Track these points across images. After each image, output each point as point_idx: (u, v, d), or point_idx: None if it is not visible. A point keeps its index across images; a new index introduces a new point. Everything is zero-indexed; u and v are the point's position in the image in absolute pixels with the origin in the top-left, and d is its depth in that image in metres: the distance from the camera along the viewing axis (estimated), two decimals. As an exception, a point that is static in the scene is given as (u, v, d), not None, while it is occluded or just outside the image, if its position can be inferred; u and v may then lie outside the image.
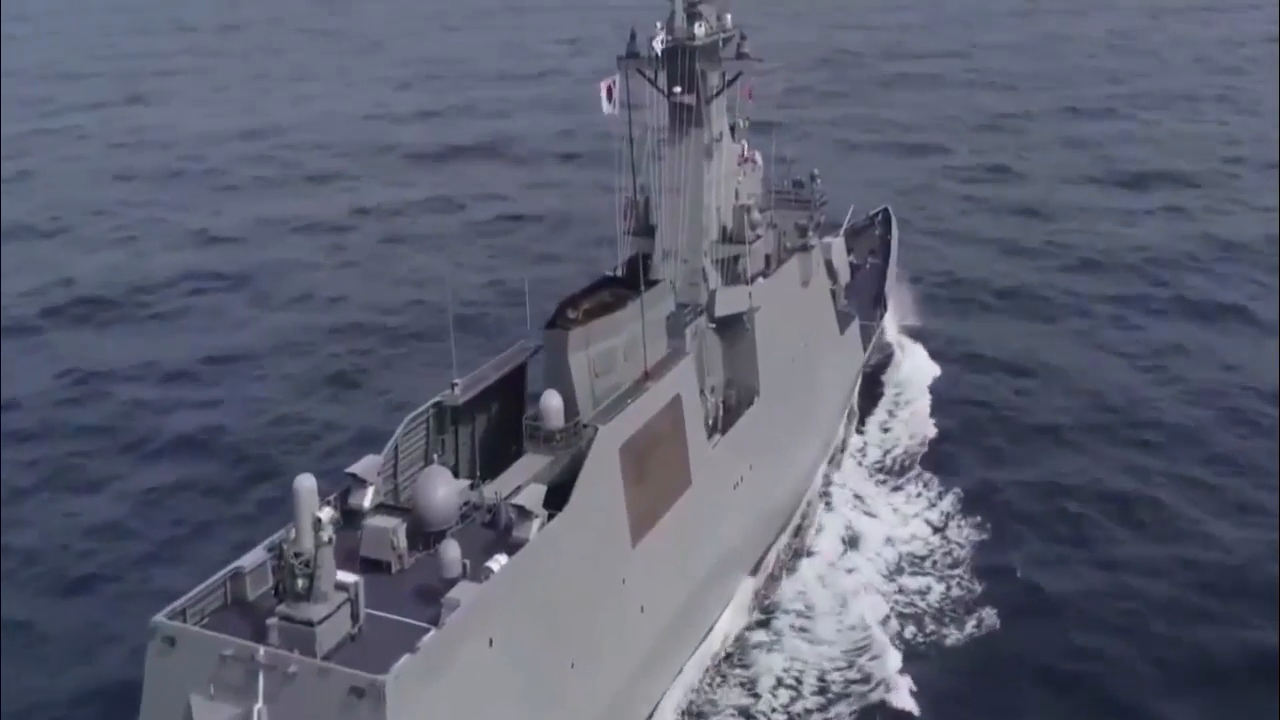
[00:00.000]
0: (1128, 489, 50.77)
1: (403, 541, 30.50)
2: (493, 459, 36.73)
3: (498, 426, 37.99)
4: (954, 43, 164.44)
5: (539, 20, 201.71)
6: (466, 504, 32.53)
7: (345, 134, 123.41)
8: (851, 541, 46.43)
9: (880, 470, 52.20)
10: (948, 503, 48.84)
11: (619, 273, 43.92)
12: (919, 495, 49.68)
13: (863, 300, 60.41)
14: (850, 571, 44.42)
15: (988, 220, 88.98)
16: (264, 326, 72.51)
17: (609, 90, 41.96)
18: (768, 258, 46.43)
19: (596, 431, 33.34)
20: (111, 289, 79.20)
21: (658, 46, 42.11)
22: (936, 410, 56.75)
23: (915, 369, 61.19)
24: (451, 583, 28.51)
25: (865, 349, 56.67)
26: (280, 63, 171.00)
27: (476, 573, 28.77)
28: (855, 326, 54.55)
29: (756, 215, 44.59)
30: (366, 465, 32.97)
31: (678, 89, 43.03)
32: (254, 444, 56.99)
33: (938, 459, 52.54)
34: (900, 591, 43.46)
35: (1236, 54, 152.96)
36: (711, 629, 40.24)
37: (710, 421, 41.96)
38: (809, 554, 45.79)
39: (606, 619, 33.09)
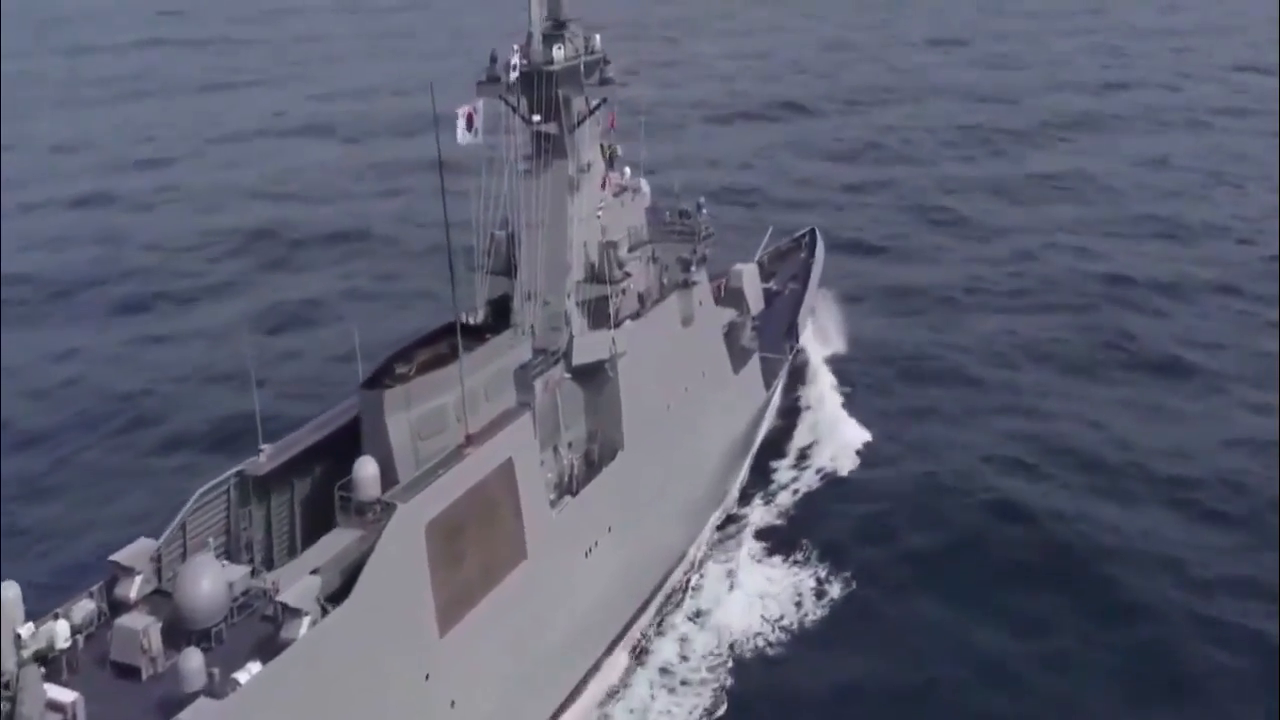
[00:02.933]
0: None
1: (156, 643, 27.13)
2: (320, 532, 33.41)
3: (323, 496, 34.49)
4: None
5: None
6: (246, 592, 29.21)
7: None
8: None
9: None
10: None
11: (477, 317, 40.66)
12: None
13: (775, 331, 57.04)
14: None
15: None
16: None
17: (469, 117, 38.89)
18: (641, 296, 43.10)
19: (394, 510, 29.96)
20: None
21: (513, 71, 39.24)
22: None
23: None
24: (192, 698, 25.21)
25: (770, 385, 53.20)
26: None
27: (223, 685, 25.46)
28: (755, 363, 51.09)
29: (624, 253, 41.21)
30: (135, 551, 29.64)
31: (536, 117, 39.79)
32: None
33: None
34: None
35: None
36: (563, 709, 37.03)
37: (566, 480, 38.71)
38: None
39: None
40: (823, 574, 44.61)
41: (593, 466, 39.80)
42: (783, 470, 52.47)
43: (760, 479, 51.64)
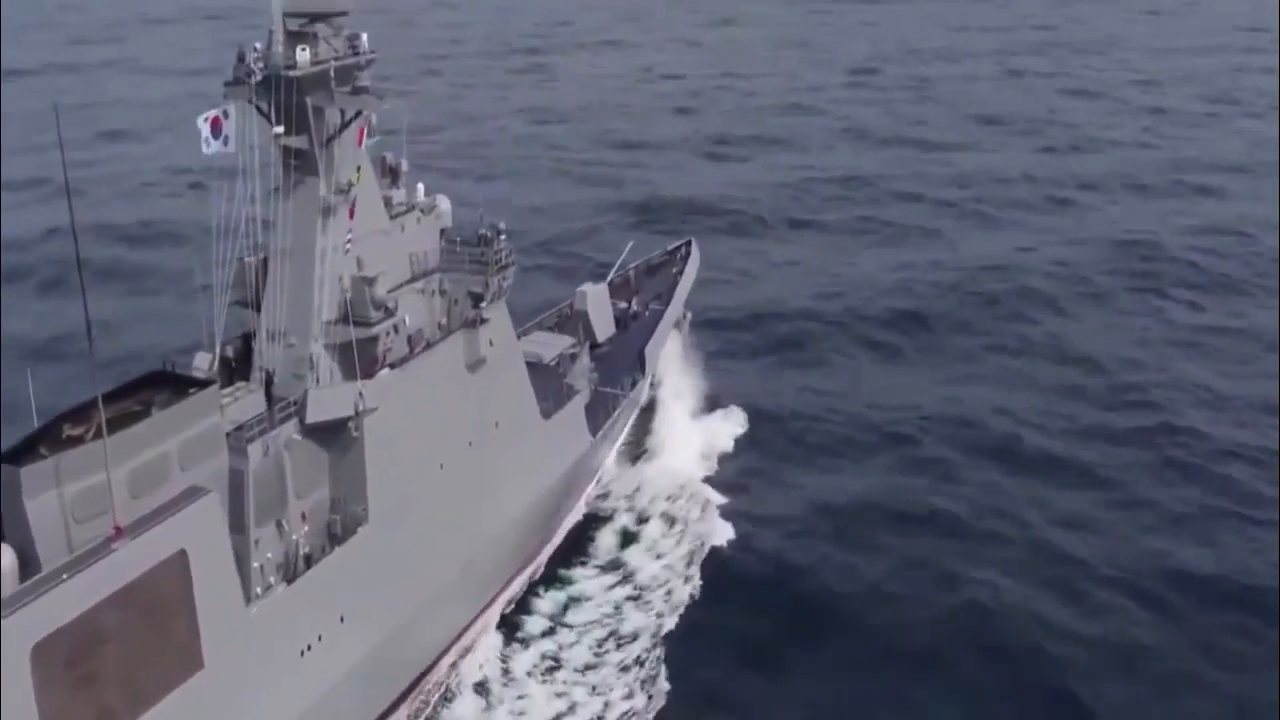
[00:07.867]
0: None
1: None
2: None
3: None
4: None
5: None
6: None
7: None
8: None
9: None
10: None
11: (216, 358, 34.68)
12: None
13: (622, 361, 51.15)
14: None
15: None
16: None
17: (214, 123, 33.19)
18: (412, 339, 37.24)
19: None
20: None
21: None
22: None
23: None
24: None
25: (604, 424, 47.15)
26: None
27: None
28: (577, 404, 45.13)
29: (381, 292, 35.31)
30: None
31: (279, 129, 33.90)
32: None
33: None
34: None
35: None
36: None
37: (295, 558, 32.97)
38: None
39: None
40: (637, 655, 38.88)
41: (336, 541, 34.10)
42: (606, 533, 46.15)
43: (581, 539, 45.70)
